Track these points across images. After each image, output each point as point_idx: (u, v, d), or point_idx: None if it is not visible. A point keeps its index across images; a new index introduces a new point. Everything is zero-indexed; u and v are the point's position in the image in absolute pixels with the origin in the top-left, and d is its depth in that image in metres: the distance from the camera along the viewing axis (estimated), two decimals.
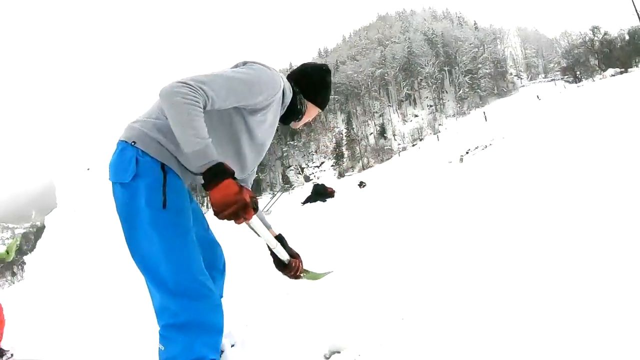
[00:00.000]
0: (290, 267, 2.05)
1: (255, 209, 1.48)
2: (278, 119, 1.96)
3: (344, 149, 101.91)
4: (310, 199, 14.94)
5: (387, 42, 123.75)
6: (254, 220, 1.70)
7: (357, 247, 3.85)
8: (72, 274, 10.22)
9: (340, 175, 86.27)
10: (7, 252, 3.68)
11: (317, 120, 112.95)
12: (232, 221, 1.46)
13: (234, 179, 1.46)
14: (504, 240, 2.62)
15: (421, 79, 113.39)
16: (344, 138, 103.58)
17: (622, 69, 48.61)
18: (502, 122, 33.88)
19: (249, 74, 1.70)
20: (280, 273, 2.11)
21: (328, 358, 1.92)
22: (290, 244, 2.17)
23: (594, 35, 79.81)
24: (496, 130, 26.84)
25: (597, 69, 72.06)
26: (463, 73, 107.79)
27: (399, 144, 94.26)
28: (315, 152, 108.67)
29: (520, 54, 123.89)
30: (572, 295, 1.68)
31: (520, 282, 1.93)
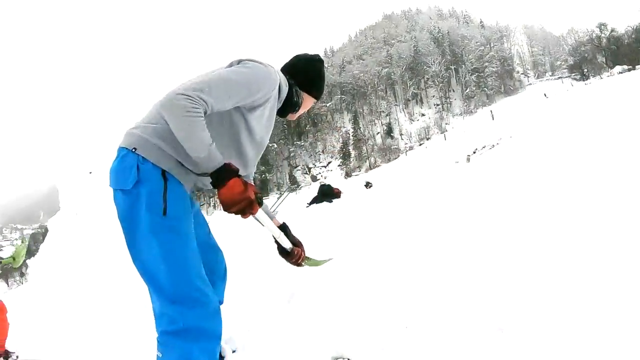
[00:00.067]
0: (292, 254, 2.14)
1: (260, 204, 1.67)
2: (275, 113, 1.99)
3: (350, 148, 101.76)
4: (316, 200, 14.84)
5: (393, 41, 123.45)
6: (259, 212, 1.77)
7: (362, 251, 3.80)
8: (74, 277, 10.27)
9: (347, 175, 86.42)
10: (14, 258, 3.69)
11: (323, 120, 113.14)
12: (239, 216, 1.64)
13: (239, 176, 1.61)
14: (511, 247, 2.54)
15: (428, 78, 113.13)
16: (351, 138, 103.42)
17: (630, 67, 48.42)
18: (509, 121, 33.78)
19: (245, 73, 1.73)
20: (283, 261, 2.22)
21: None
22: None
23: (601, 32, 79.57)
24: (503, 129, 26.84)
25: (605, 66, 71.81)
26: (470, 72, 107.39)
27: (406, 144, 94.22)
28: (322, 152, 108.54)
29: (526, 52, 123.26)
30: (581, 303, 1.64)
31: (529, 291, 1.90)
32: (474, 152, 21.92)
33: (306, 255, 2.24)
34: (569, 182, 3.82)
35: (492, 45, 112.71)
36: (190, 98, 1.56)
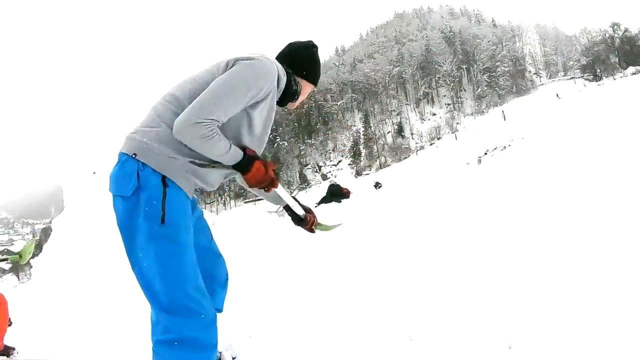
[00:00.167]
0: (306, 220, 2.22)
1: (278, 179, 1.85)
2: (275, 104, 1.98)
3: (361, 147, 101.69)
4: (325, 200, 14.82)
5: (404, 40, 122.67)
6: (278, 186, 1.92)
7: (367, 258, 3.78)
8: (77, 276, 10.20)
9: (358, 174, 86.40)
10: (20, 255, 3.65)
11: (334, 118, 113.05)
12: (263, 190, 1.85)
13: (258, 158, 1.79)
14: (522, 258, 2.48)
15: (439, 77, 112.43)
16: (362, 136, 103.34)
17: None
18: (521, 122, 33.41)
19: (245, 75, 1.74)
20: (275, 222, 2.42)
21: None
22: (301, 252, 2.44)
23: (614, 32, 78.83)
24: (515, 130, 26.69)
25: (618, 66, 71.20)
26: (481, 71, 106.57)
27: (417, 143, 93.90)
28: (333, 150, 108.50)
29: (539, 51, 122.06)
30: (593, 321, 1.60)
31: (540, 306, 1.85)
32: (485, 154, 22.00)
33: (318, 221, 2.31)
34: (583, 189, 3.72)
35: (504, 44, 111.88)
36: (203, 124, 1.61)
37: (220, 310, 2.12)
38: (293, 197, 2.20)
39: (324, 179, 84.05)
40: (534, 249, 2.55)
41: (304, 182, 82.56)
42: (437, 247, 3.40)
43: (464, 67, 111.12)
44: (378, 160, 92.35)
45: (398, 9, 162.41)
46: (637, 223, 2.46)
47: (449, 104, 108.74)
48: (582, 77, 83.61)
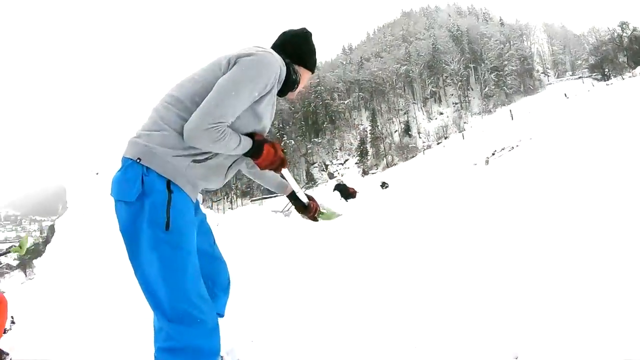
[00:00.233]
0: (310, 208, 2.24)
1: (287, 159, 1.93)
2: (276, 95, 1.96)
3: (368, 146, 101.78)
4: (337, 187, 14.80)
5: (411, 39, 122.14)
6: (284, 171, 2.02)
7: (373, 262, 3.73)
8: (80, 277, 10.36)
9: (364, 172, 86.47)
10: (20, 247, 3.87)
11: (341, 117, 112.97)
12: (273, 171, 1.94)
13: (265, 140, 1.84)
14: (530, 265, 2.41)
15: (446, 76, 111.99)
16: (369, 135, 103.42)
17: None
18: (528, 122, 33.10)
19: (248, 74, 1.71)
20: (281, 222, 2.55)
21: None
22: (305, 253, 2.51)
23: (623, 32, 78.56)
24: (523, 130, 26.52)
25: (626, 66, 70.86)
26: (489, 70, 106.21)
27: (424, 142, 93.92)
28: (340, 149, 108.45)
29: (547, 50, 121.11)
30: (600, 333, 1.55)
31: (548, 312, 1.81)
32: (493, 154, 22.01)
33: (320, 210, 2.32)
34: (592, 193, 3.61)
35: (511, 43, 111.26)
36: (213, 128, 1.63)
37: (222, 315, 2.16)
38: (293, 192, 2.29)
39: (330, 178, 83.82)
40: (543, 257, 2.48)
41: (311, 181, 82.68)
42: (443, 251, 3.35)
43: (472, 66, 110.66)
44: (385, 159, 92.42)
45: (405, 8, 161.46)
46: None
47: (456, 103, 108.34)
48: (590, 76, 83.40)
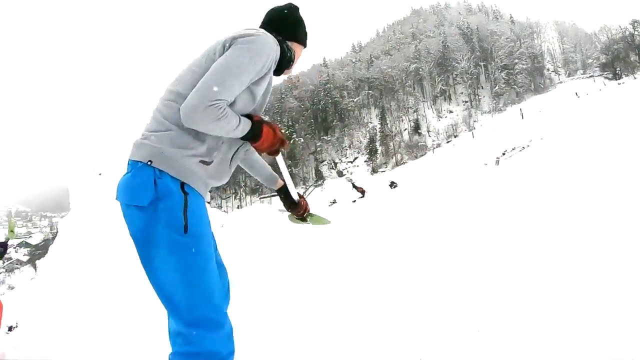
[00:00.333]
0: (299, 205, 2.19)
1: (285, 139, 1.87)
2: (272, 74, 1.90)
3: (377, 144, 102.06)
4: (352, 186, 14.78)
5: (421, 37, 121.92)
6: (279, 158, 1.96)
7: (379, 264, 3.71)
8: (83, 278, 9.02)
9: (374, 171, 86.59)
10: (12, 231, 3.85)
11: (351, 115, 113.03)
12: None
13: (263, 121, 1.77)
14: (534, 265, 2.43)
15: (456, 74, 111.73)
16: (378, 133, 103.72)
17: None
18: (539, 121, 32.61)
19: (245, 55, 1.66)
20: (289, 223, 2.37)
21: None
22: (310, 255, 2.42)
23: (634, 30, 77.78)
24: (533, 129, 26.12)
25: (638, 65, 70.33)
26: (499, 68, 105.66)
27: (434, 141, 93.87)
28: (349, 147, 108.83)
29: (557, 49, 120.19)
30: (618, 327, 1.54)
31: (548, 312, 1.83)
32: (503, 154, 21.91)
33: (310, 211, 2.27)
34: (604, 196, 3.55)
35: (522, 41, 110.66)
36: (214, 106, 1.56)
37: None
38: (284, 187, 2.23)
39: (339, 176, 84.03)
40: (549, 262, 2.46)
41: (320, 179, 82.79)
42: (447, 255, 3.32)
43: (482, 64, 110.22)
44: (394, 158, 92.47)
45: (415, 5, 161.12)
46: None
47: (466, 102, 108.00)
48: (601, 75, 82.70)
